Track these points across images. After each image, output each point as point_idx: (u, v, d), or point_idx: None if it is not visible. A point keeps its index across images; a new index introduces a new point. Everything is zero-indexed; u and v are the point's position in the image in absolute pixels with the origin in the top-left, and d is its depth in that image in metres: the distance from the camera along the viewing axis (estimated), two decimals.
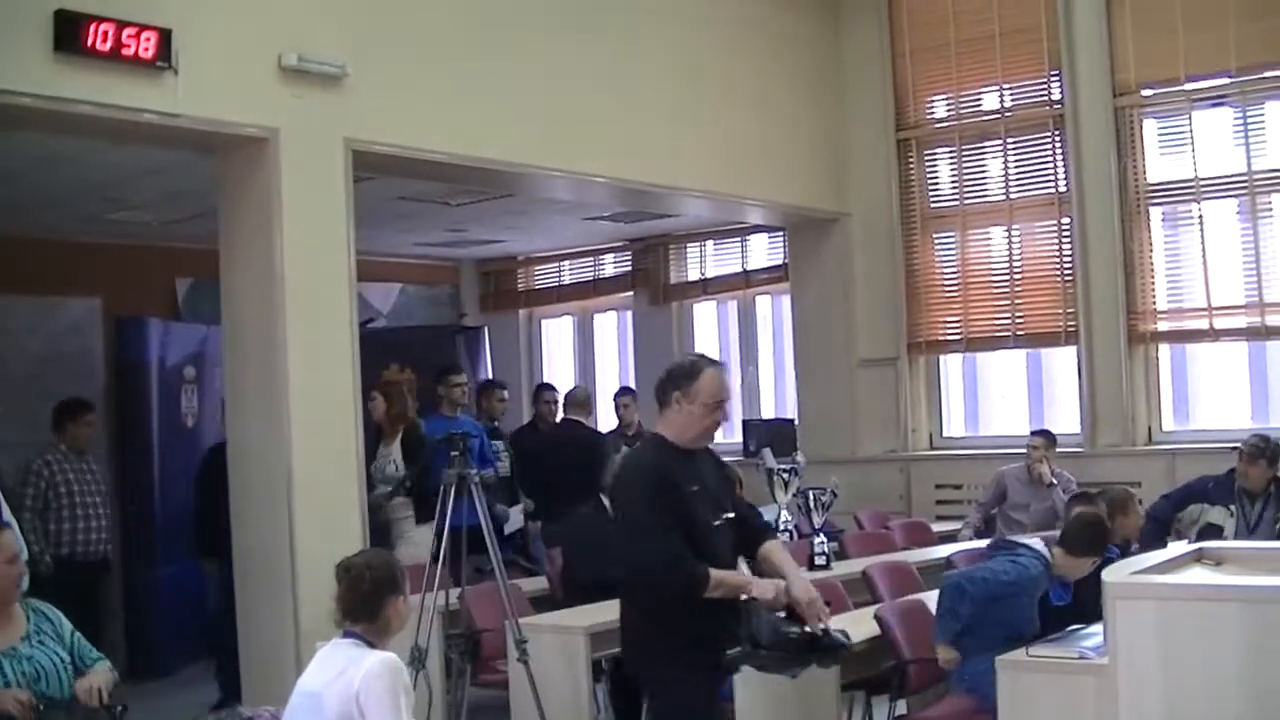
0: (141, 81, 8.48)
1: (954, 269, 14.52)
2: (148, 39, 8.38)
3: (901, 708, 8.12)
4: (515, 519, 12.45)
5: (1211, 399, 13.57)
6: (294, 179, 9.39)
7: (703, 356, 6.63)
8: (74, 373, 13.39)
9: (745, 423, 15.04)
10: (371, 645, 5.49)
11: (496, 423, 13.27)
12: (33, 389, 11.57)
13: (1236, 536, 10.05)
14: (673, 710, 6.37)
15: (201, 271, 12.98)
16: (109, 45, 8.22)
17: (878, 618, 7.96)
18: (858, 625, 8.12)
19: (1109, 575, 6.51)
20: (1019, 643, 7.21)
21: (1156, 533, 10.09)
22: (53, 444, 11.24)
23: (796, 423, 14.79)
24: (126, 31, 8.28)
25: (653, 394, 6.51)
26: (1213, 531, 10.12)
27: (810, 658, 6.41)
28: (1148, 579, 6.58)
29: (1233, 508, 10.37)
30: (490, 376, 15.46)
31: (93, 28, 8.14)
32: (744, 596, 6.24)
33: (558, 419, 13.58)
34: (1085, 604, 7.60)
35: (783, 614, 6.28)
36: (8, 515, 8.12)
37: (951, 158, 14.54)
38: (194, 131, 8.99)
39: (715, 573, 6.20)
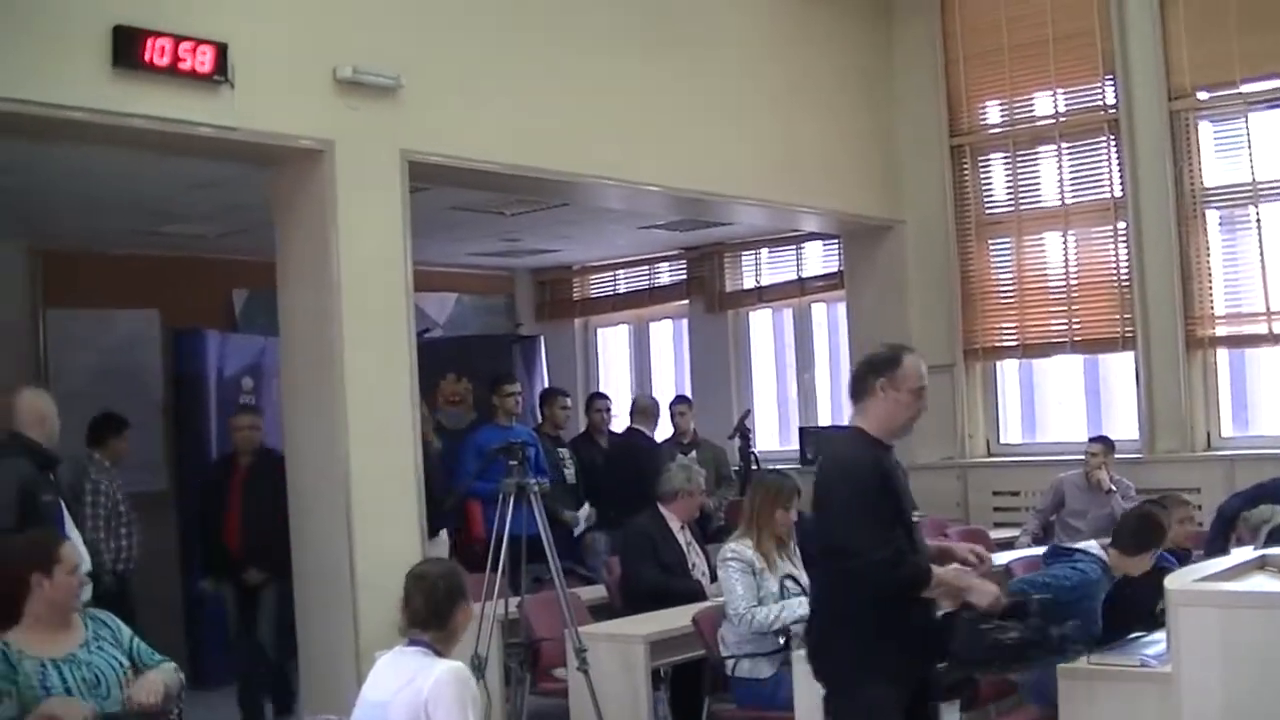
0: (198, 95, 8.53)
1: (1010, 275, 14.46)
2: (204, 53, 8.44)
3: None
4: (583, 519, 12.46)
5: (1271, 404, 13.47)
6: (350, 190, 9.43)
7: (899, 345, 6.52)
8: (132, 385, 13.47)
9: (802, 431, 15.07)
10: (439, 654, 5.52)
11: (561, 430, 13.26)
12: (91, 402, 11.60)
13: None
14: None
15: (258, 283, 13.05)
16: (166, 59, 8.29)
17: None
18: None
19: (1171, 583, 6.47)
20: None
21: (1220, 528, 9.98)
22: (92, 457, 11.03)
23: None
24: (183, 46, 8.35)
25: (849, 385, 6.37)
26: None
27: (1029, 659, 6.36)
28: (1211, 586, 6.54)
29: None
30: (547, 385, 15.44)
31: (150, 42, 8.20)
32: (946, 609, 6.15)
33: (616, 428, 13.59)
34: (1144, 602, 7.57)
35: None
36: (70, 528, 8.20)
37: (1006, 163, 14.47)
38: (250, 144, 9.04)
39: (936, 570, 6.08)
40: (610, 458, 13.10)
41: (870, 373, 6.27)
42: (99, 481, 10.80)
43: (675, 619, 8.86)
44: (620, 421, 13.97)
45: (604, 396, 13.95)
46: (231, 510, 11.04)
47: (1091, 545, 8.08)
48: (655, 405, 13.80)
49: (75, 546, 6.56)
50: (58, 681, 6.06)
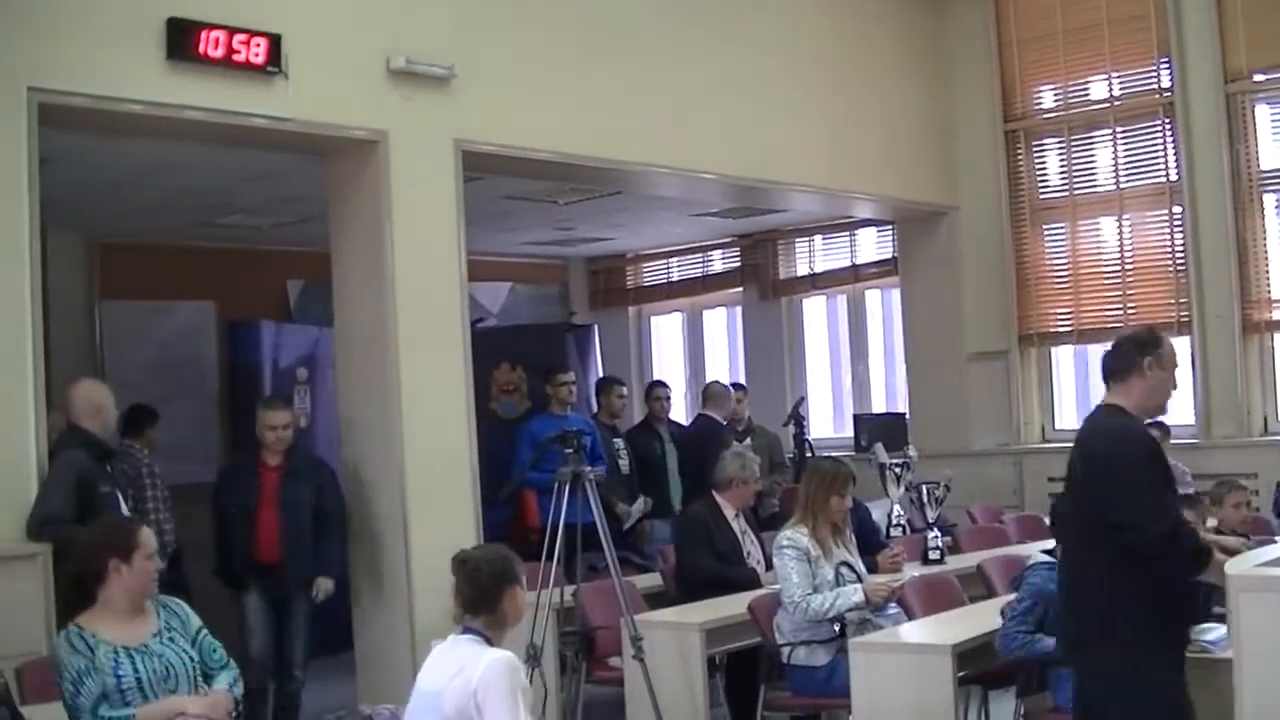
0: (253, 87, 8.59)
1: (1064, 260, 14.40)
2: (258, 45, 8.50)
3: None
4: (635, 513, 12.45)
5: None
6: (404, 180, 9.48)
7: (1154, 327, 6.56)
8: (187, 376, 13.55)
9: (856, 418, 15.05)
10: (490, 642, 5.52)
11: (617, 420, 13.23)
12: (145, 393, 11.63)
13: None
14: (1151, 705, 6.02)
15: (313, 274, 13.10)
16: (221, 52, 8.36)
17: (1002, 613, 7.88)
18: (975, 619, 8.11)
19: (1231, 568, 6.43)
20: None
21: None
22: (134, 446, 10.73)
23: (908, 417, 14.77)
24: (237, 38, 8.42)
25: (1107, 364, 6.37)
26: None
27: None
28: (1272, 571, 6.50)
29: None
30: (602, 374, 15.42)
31: (204, 35, 8.27)
32: None
33: (678, 415, 13.58)
34: None
35: None
36: (125, 511, 8.24)
37: (1060, 148, 14.41)
38: (304, 135, 9.10)
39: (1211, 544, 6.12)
40: (682, 444, 13.08)
41: (1137, 350, 6.35)
42: (153, 466, 10.76)
43: (730, 607, 8.84)
44: (679, 409, 13.93)
45: (664, 384, 13.89)
46: (264, 517, 9.95)
47: None
48: (727, 391, 13.77)
49: (149, 532, 6.59)
50: (130, 670, 6.11)
